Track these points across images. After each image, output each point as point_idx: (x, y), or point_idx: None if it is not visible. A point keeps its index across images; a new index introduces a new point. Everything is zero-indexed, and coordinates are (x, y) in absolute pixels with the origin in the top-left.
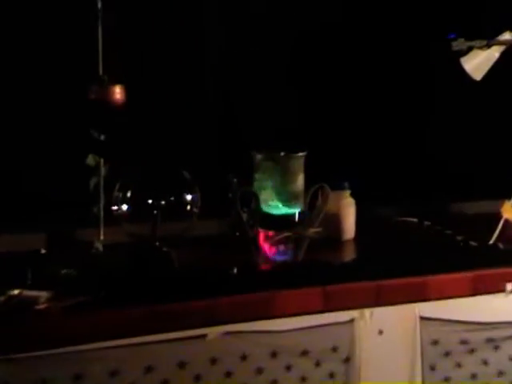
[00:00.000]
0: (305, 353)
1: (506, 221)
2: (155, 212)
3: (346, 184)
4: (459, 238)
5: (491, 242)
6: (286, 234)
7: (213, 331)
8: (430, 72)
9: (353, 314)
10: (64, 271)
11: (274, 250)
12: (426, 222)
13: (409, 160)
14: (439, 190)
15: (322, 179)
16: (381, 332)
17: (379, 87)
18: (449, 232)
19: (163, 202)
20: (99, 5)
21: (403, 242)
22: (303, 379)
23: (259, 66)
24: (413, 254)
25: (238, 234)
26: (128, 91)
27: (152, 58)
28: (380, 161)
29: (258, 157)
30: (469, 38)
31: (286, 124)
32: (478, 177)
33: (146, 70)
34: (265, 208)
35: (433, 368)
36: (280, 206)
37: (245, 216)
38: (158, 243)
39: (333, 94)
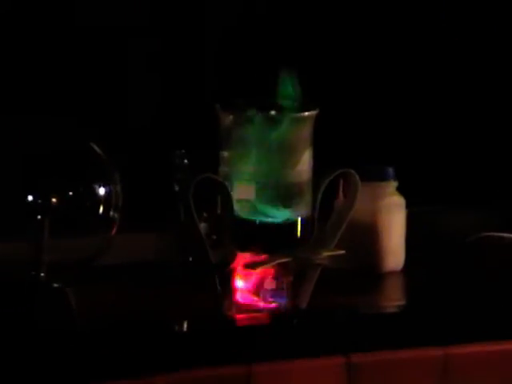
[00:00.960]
0: None
1: None
2: (39, 218)
3: (391, 171)
4: None
5: None
6: (281, 259)
7: None
8: None
9: None
10: None
11: (258, 288)
12: None
13: (498, 139)
14: None
15: (345, 161)
16: None
17: None
18: None
19: (55, 200)
20: None
21: (494, 279)
22: None
23: None
24: (506, 298)
25: (190, 258)
26: None
27: None
28: (451, 131)
29: (228, 117)
30: None
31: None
32: None
33: None
34: (241, 212)
35: None
36: (269, 207)
37: (204, 227)
38: (43, 274)
39: None
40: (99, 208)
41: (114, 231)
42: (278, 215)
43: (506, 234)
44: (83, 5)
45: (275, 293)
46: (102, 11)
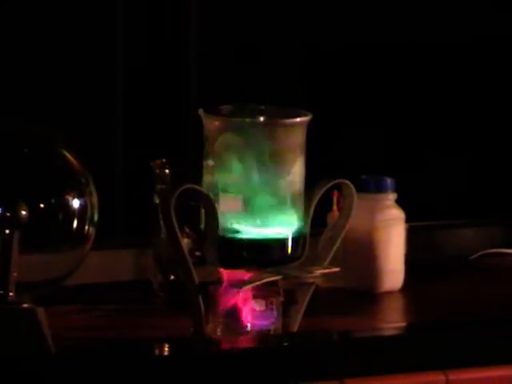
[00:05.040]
0: None
1: None
2: (7, 232)
3: (390, 182)
4: None
5: None
6: (268, 277)
7: None
8: None
9: None
10: None
11: (243, 310)
12: None
13: (505, 150)
14: None
15: (340, 171)
16: None
17: None
18: None
19: (24, 213)
20: None
21: (497, 299)
22: None
23: None
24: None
25: (171, 277)
26: None
27: None
28: (451, 143)
29: (213, 123)
30: None
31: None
32: None
33: None
34: (227, 226)
35: None
36: (257, 221)
37: (186, 242)
38: (12, 293)
39: None
40: (73, 222)
41: (88, 247)
42: (267, 229)
43: (508, 251)
44: None
45: (263, 314)
46: None
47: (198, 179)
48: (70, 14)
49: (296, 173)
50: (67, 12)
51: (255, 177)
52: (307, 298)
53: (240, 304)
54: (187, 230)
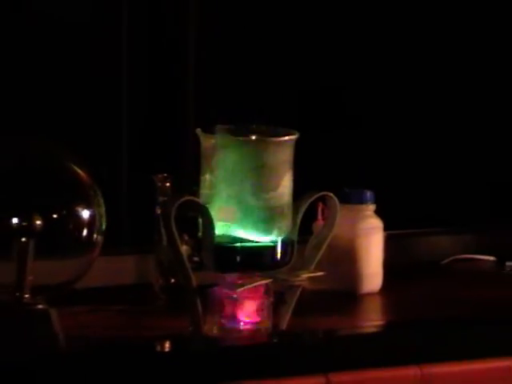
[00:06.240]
0: None
1: None
2: (23, 240)
3: (369, 194)
4: None
5: None
6: (259, 281)
7: None
8: None
9: None
10: None
11: (237, 310)
12: (511, 263)
13: (480, 158)
14: None
15: (324, 184)
16: None
17: None
18: None
19: (39, 223)
20: None
21: (468, 300)
22: None
23: None
24: (484, 320)
25: (172, 281)
26: None
27: None
28: (426, 158)
29: (209, 141)
30: None
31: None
32: None
33: None
34: (222, 234)
35: None
36: (249, 229)
37: (185, 249)
38: (27, 295)
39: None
40: (82, 230)
41: (96, 253)
42: (259, 237)
43: (479, 256)
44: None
45: (256, 314)
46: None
47: (196, 192)
48: (77, 60)
49: (285, 186)
50: (74, 58)
51: (248, 190)
52: (295, 299)
53: (234, 305)
54: (186, 238)
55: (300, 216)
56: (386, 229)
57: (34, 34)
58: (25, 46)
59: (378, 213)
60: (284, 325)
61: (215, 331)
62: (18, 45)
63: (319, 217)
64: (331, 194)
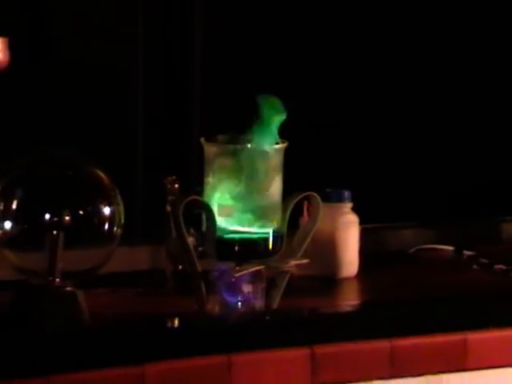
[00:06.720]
0: None
1: None
2: (55, 233)
3: (347, 194)
4: None
5: None
6: (254, 267)
7: None
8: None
9: None
10: None
11: (235, 292)
12: (467, 252)
13: (440, 162)
14: (486, 206)
15: (309, 185)
16: None
17: None
18: (502, 268)
19: (68, 218)
20: None
21: (431, 283)
22: None
23: None
24: (444, 300)
25: (180, 267)
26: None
27: None
28: (395, 163)
29: (211, 149)
30: None
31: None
32: None
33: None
34: (222, 228)
35: None
36: (245, 224)
37: (191, 240)
38: (58, 280)
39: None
40: (105, 225)
41: (116, 244)
42: (254, 230)
43: (440, 246)
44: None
45: (251, 295)
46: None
47: (201, 192)
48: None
49: (275, 187)
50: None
51: (244, 190)
52: (284, 283)
53: (233, 287)
54: (192, 231)
55: (288, 212)
56: (361, 223)
57: (53, 41)
58: (43, 56)
59: (355, 209)
60: (275, 304)
61: (217, 309)
62: (37, 55)
63: (305, 213)
64: (315, 194)
